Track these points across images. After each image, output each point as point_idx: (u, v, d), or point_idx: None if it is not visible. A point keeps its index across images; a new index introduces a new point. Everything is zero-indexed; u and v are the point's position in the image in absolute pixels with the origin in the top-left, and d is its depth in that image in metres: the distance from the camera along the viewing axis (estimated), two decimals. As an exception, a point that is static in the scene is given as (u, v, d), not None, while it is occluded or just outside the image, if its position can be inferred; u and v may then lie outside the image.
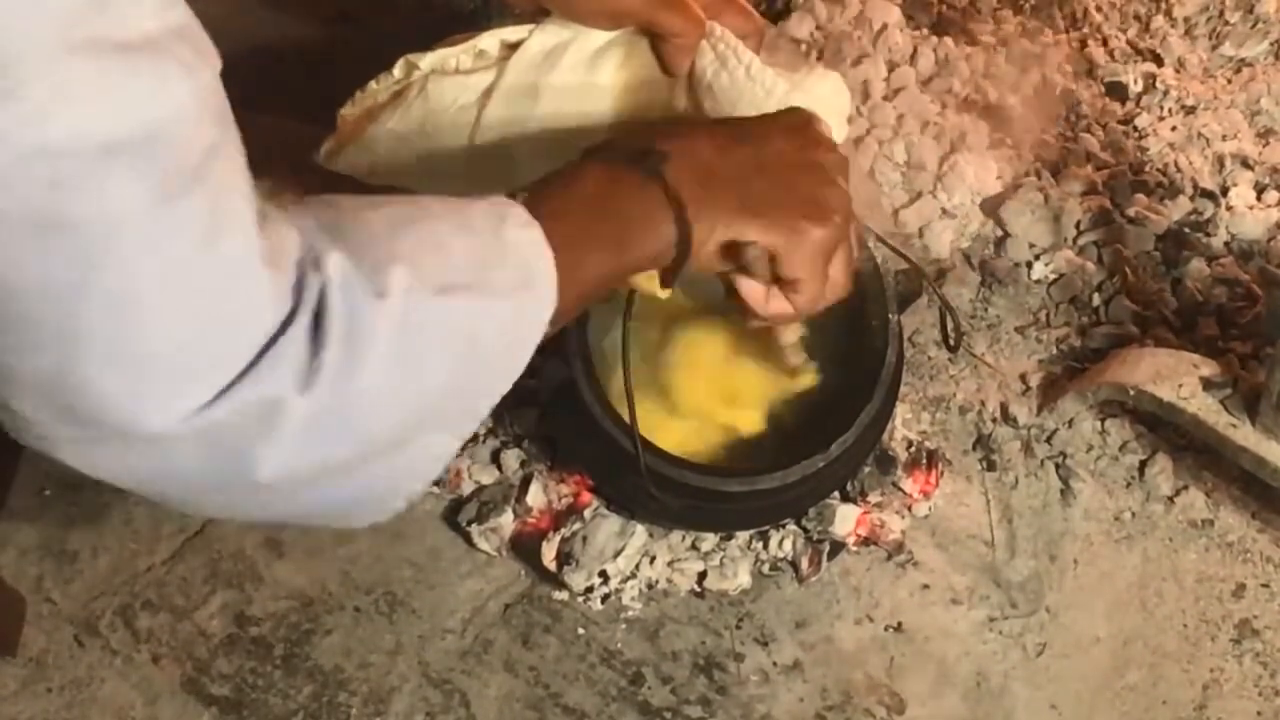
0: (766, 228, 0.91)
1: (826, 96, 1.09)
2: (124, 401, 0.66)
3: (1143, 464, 1.36)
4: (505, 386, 0.81)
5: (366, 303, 0.71)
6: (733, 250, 0.92)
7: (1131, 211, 1.49)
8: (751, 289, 0.95)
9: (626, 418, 1.10)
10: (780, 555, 1.27)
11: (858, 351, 1.21)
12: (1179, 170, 1.53)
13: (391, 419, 0.75)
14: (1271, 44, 1.68)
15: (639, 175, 0.88)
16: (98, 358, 0.65)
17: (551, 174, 0.89)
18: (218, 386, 0.67)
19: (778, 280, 0.94)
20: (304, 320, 0.69)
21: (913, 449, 1.32)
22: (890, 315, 1.19)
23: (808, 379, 1.21)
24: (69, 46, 0.59)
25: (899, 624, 1.27)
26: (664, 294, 0.96)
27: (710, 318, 1.21)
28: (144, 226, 0.63)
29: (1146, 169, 1.54)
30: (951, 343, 1.21)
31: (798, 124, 0.98)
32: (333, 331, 0.70)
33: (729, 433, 1.22)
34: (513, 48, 1.13)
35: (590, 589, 1.25)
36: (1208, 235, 1.48)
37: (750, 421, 1.23)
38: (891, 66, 1.60)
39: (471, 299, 0.76)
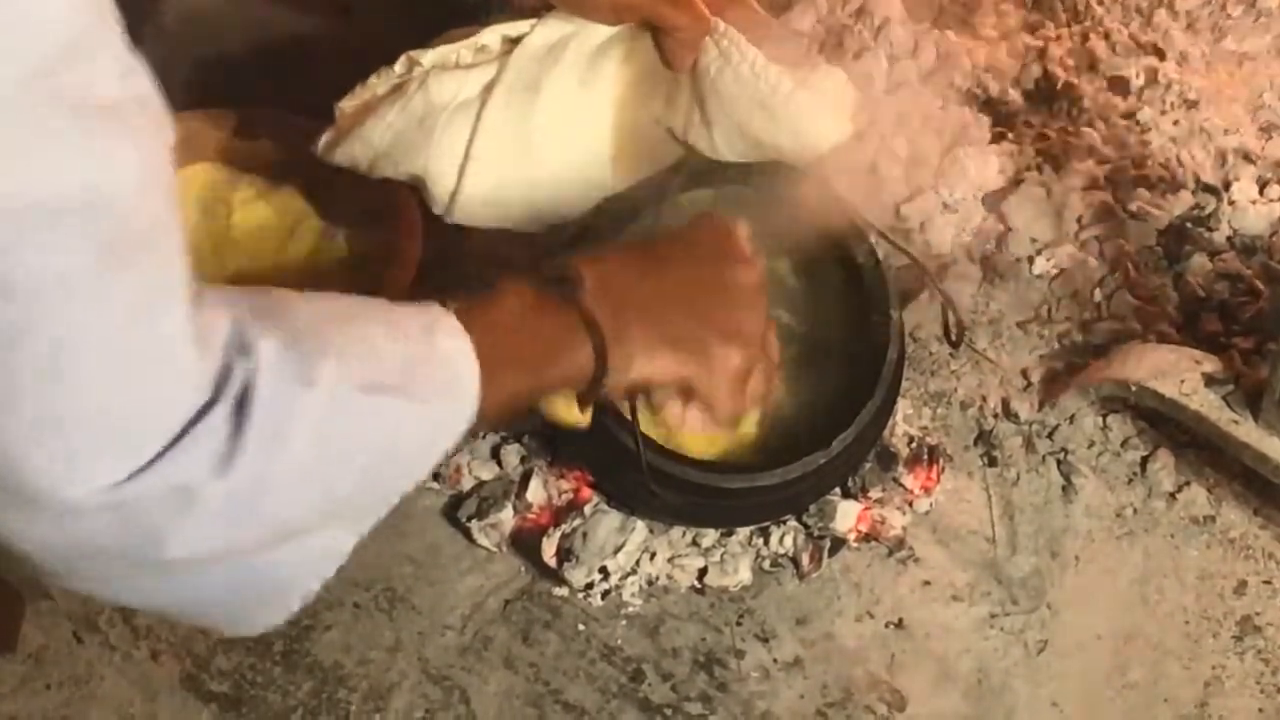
0: (682, 362, 0.93)
1: (831, 93, 1.09)
2: (42, 468, 0.65)
3: (1144, 460, 1.35)
4: (408, 487, 0.82)
5: (294, 391, 0.72)
6: (649, 386, 0.94)
7: (1133, 206, 1.48)
8: (669, 412, 0.96)
9: (627, 414, 1.10)
10: (781, 551, 1.27)
11: (859, 347, 1.20)
12: (1181, 165, 1.53)
13: (301, 507, 0.76)
14: (1274, 38, 1.67)
15: (557, 300, 0.90)
16: (21, 421, 0.64)
17: (475, 292, 0.90)
18: (135, 464, 0.67)
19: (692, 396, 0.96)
20: (225, 406, 0.69)
21: (914, 445, 1.31)
22: (891, 311, 1.19)
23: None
24: (25, 104, 0.58)
25: (900, 620, 1.27)
26: (584, 419, 0.97)
27: None
28: (80, 294, 0.62)
29: (1148, 163, 1.53)
30: (953, 338, 1.20)
31: (714, 240, 0.99)
32: (256, 417, 0.70)
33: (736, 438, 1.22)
34: (514, 42, 1.12)
35: (590, 585, 1.24)
36: (1210, 230, 1.48)
37: (749, 422, 1.23)
38: (893, 60, 1.59)
39: (396, 400, 0.77)
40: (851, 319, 1.21)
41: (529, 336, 0.89)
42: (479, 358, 0.82)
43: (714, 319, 0.95)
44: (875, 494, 1.29)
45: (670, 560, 1.26)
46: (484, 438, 1.31)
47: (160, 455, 0.67)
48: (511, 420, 1.20)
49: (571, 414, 0.96)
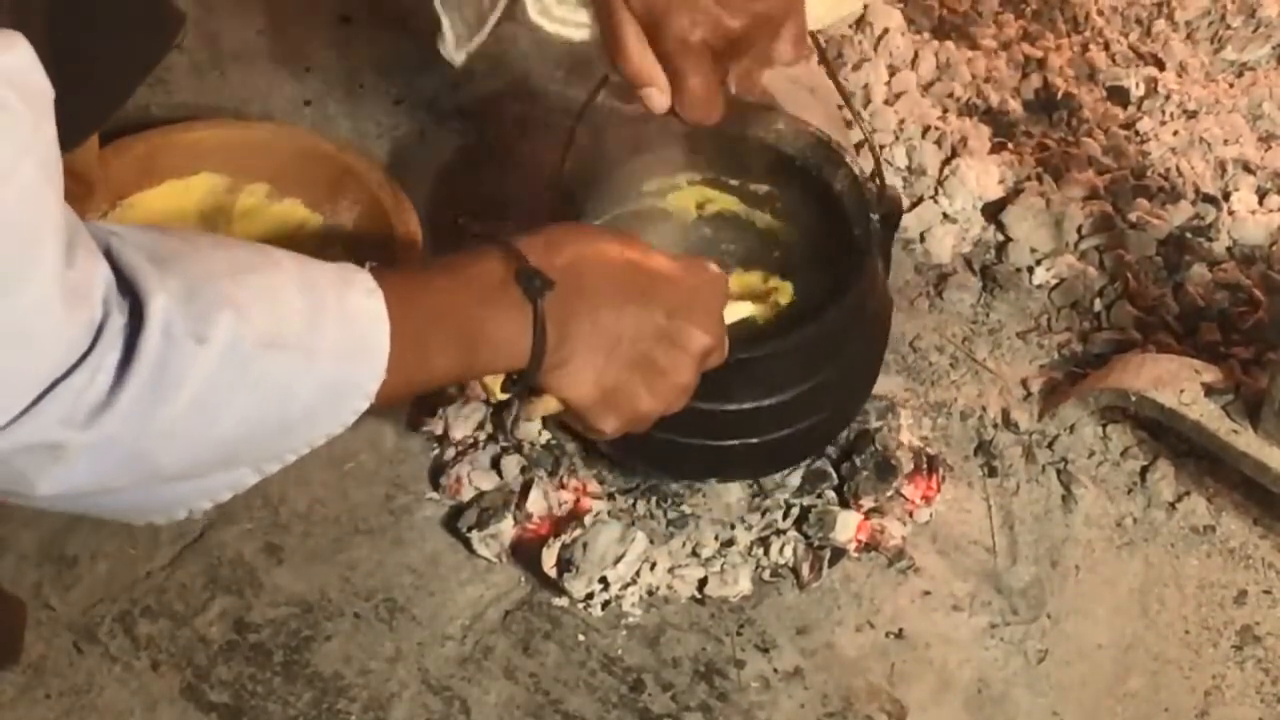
0: (598, 402, 0.92)
1: None
2: None
3: (1144, 470, 1.35)
4: (317, 442, 0.81)
5: (185, 347, 0.71)
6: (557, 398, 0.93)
7: (1133, 216, 1.49)
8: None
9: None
10: (781, 562, 1.27)
11: (842, 261, 1.17)
12: (1181, 175, 1.53)
13: (184, 457, 0.75)
14: (1273, 48, 1.68)
15: (517, 295, 0.88)
16: None
17: (442, 258, 0.89)
18: (2, 421, 0.67)
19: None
20: (99, 359, 0.69)
21: (914, 455, 1.31)
22: (872, 215, 1.16)
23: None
24: None
25: (900, 630, 1.27)
26: (501, 396, 0.95)
27: None
28: None
29: (1148, 173, 1.53)
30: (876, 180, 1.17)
31: (698, 293, 0.96)
32: (139, 372, 0.70)
33: None
34: None
35: (590, 595, 1.24)
36: (1209, 240, 1.48)
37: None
38: (892, 70, 1.60)
39: (293, 356, 0.76)
40: (835, 240, 1.18)
41: (469, 322, 0.87)
42: (401, 325, 0.80)
43: (648, 376, 0.93)
44: (875, 503, 1.29)
45: (670, 570, 1.26)
46: (484, 447, 1.31)
47: (22, 415, 0.68)
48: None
49: (495, 384, 0.95)
